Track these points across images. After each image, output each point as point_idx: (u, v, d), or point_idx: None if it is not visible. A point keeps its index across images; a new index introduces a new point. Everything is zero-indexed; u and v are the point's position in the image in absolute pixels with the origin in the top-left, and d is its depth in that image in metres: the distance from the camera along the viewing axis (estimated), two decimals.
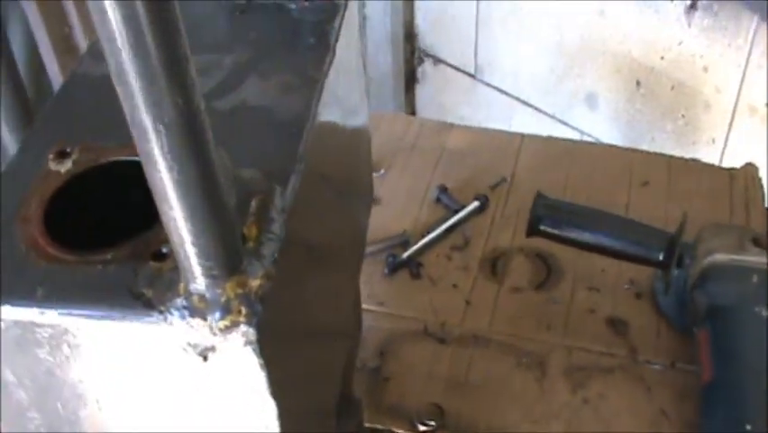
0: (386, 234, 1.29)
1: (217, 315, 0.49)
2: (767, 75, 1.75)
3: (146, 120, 0.41)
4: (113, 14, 0.38)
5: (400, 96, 2.54)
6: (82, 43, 1.52)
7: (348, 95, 0.77)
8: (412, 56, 2.51)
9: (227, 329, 0.49)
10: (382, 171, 1.40)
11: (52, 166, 0.60)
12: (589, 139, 2.12)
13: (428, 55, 2.48)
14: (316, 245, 0.67)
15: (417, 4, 2.42)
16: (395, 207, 1.34)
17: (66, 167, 0.61)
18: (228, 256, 0.49)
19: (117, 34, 0.39)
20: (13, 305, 0.51)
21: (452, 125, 1.50)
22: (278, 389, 0.53)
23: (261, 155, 0.59)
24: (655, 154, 1.44)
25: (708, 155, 1.82)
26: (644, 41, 1.94)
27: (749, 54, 1.76)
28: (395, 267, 1.23)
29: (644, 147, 1.95)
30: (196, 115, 0.42)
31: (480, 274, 1.23)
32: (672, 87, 1.95)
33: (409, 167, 1.42)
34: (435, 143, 1.46)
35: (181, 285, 0.50)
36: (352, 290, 0.89)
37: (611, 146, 1.48)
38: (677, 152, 1.81)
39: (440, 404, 1.07)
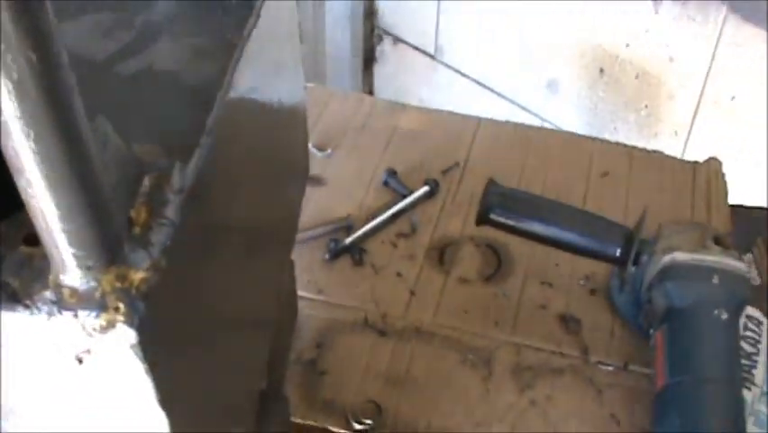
0: (329, 218, 1.21)
1: (92, 312, 0.41)
2: (733, 67, 1.69)
3: None
4: None
5: (358, 75, 2.47)
6: None
7: (275, 64, 0.69)
8: (371, 34, 2.43)
9: (103, 329, 0.42)
10: (329, 151, 1.33)
11: None
12: (549, 126, 2.06)
13: (388, 33, 2.40)
14: (227, 229, 0.59)
15: None
16: (340, 189, 1.27)
17: None
18: (105, 244, 0.41)
19: None
20: None
21: (405, 106, 1.43)
22: (169, 395, 0.46)
23: (163, 126, 0.51)
24: (616, 144, 1.38)
25: (671, 147, 1.76)
26: (609, 27, 1.88)
27: (716, 46, 1.70)
28: (336, 253, 1.16)
29: (606, 137, 1.90)
30: (55, 72, 0.35)
31: (427, 263, 1.16)
32: (637, 76, 1.89)
33: (358, 148, 1.34)
34: (387, 124, 1.38)
35: (51, 276, 0.42)
36: (278, 276, 0.81)
37: (571, 134, 1.41)
38: (639, 143, 1.75)
39: (378, 401, 1.01)
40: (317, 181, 1.28)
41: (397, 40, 2.38)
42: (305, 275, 1.12)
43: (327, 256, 1.15)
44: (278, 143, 0.75)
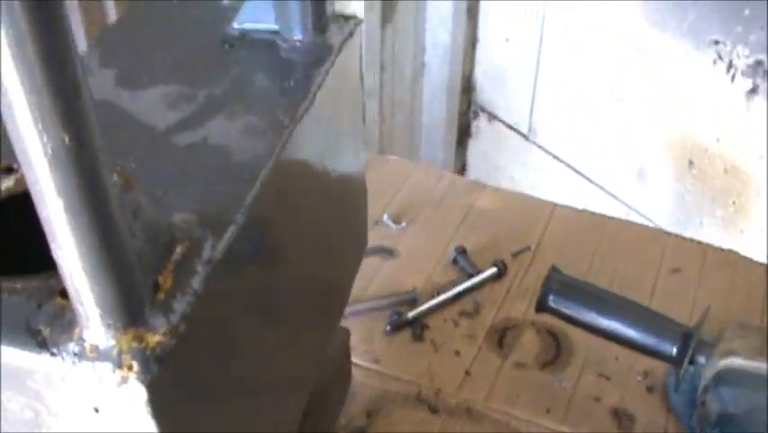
0: (395, 290, 1.24)
1: (108, 367, 0.45)
2: None
3: (29, 148, 0.37)
4: None
5: (451, 149, 2.50)
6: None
7: (330, 142, 0.72)
8: (467, 109, 2.46)
9: (118, 384, 0.45)
10: (404, 224, 1.36)
11: None
12: (635, 215, 2.06)
13: (484, 110, 2.43)
14: (263, 296, 0.62)
15: (478, 57, 2.38)
16: (410, 262, 1.29)
17: (7, 184, 0.57)
18: (126, 306, 0.44)
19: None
20: None
21: (484, 185, 1.45)
22: None
23: (206, 198, 0.55)
24: (690, 241, 1.37)
25: (758, 246, 1.74)
26: (700, 121, 1.87)
27: None
28: (398, 326, 1.18)
29: (692, 230, 1.89)
30: (87, 152, 0.38)
31: (486, 344, 1.17)
32: (726, 171, 1.88)
33: (432, 223, 1.37)
34: (464, 202, 1.41)
35: (77, 329, 0.46)
36: (321, 343, 0.83)
37: (645, 227, 1.42)
38: (725, 239, 1.74)
39: None
40: (389, 253, 1.30)
41: (493, 117, 2.41)
42: (363, 344, 1.15)
43: (388, 328, 1.18)
44: (332, 216, 0.78)
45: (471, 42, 2.35)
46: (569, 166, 2.22)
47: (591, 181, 2.17)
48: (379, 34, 2.16)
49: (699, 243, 1.37)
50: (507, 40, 2.25)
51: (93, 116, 0.39)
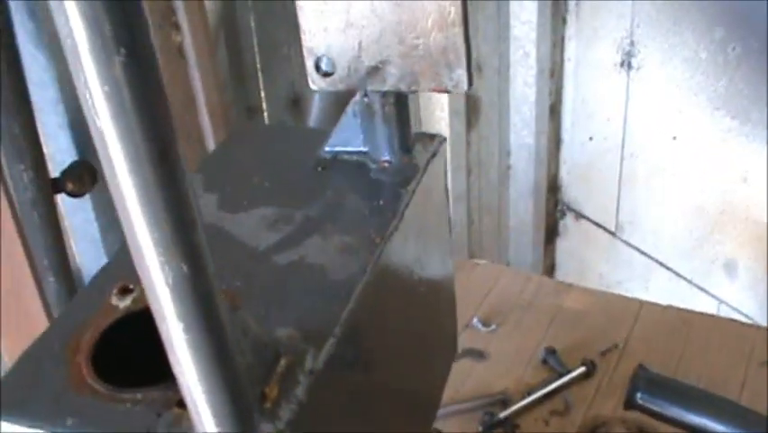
0: (487, 391, 1.27)
1: None
2: None
3: (151, 278, 0.43)
4: (123, 179, 0.41)
5: (540, 248, 2.53)
6: None
7: (419, 254, 0.78)
8: (554, 208, 2.50)
9: None
10: (494, 326, 1.40)
11: (113, 300, 0.63)
12: (726, 308, 2.06)
13: (570, 209, 2.47)
14: (360, 402, 0.67)
15: (563, 157, 2.43)
16: (500, 364, 1.33)
17: (125, 303, 0.63)
18: (237, 415, 0.49)
19: (127, 201, 0.41)
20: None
21: (571, 286, 1.49)
22: None
23: (305, 314, 0.61)
24: None
25: None
26: None
27: None
28: (490, 426, 1.21)
29: None
30: (203, 279, 0.44)
31: None
32: None
33: (522, 324, 1.40)
34: (552, 303, 1.45)
35: None
36: None
37: (733, 321, 1.43)
38: None
39: None
40: (480, 355, 1.34)
41: (579, 215, 2.44)
42: None
43: (480, 429, 1.21)
44: (422, 324, 0.83)
45: (556, 142, 2.40)
46: (657, 261, 2.23)
47: (680, 276, 2.18)
48: (464, 139, 2.23)
49: None
50: (591, 138, 2.30)
51: (207, 247, 0.45)
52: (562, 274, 2.59)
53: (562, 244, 2.56)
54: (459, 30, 0.66)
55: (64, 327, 0.63)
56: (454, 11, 0.65)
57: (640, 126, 2.15)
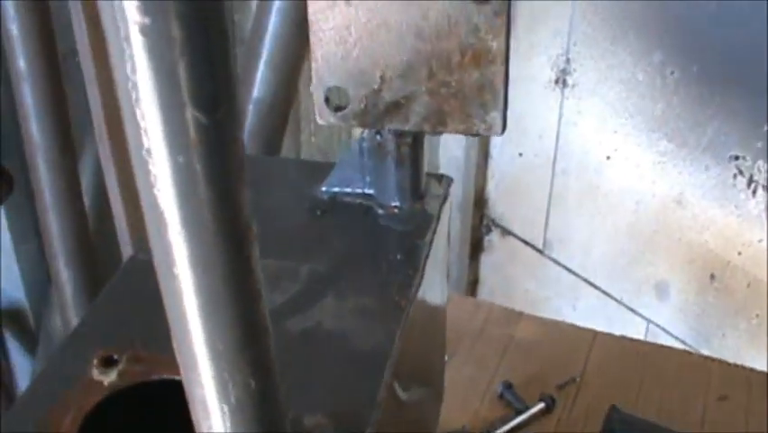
0: (445, 427, 1.21)
1: None
2: None
3: (207, 398, 0.35)
4: (183, 273, 0.32)
5: (464, 263, 2.49)
6: None
7: (429, 304, 0.70)
8: (480, 223, 2.46)
9: None
10: (446, 358, 1.33)
11: (95, 375, 0.54)
12: (655, 329, 2.05)
13: (497, 225, 2.43)
14: None
15: (491, 171, 2.38)
16: (456, 397, 1.26)
17: (110, 378, 0.55)
18: None
19: (185, 300, 0.33)
20: None
21: (521, 314, 1.43)
22: None
23: (333, 394, 0.53)
24: (735, 366, 1.36)
25: None
26: (721, 234, 1.87)
27: None
28: None
29: (715, 343, 1.88)
30: (270, 396, 0.36)
31: None
32: (749, 285, 1.87)
33: (474, 356, 1.34)
34: (503, 332, 1.39)
35: None
36: None
37: (688, 353, 1.40)
38: (750, 353, 1.73)
39: None
40: None
41: (506, 232, 2.41)
42: None
43: None
44: (427, 371, 0.77)
45: (484, 156, 2.36)
46: (585, 280, 2.21)
47: (609, 295, 2.16)
48: None
49: (743, 367, 1.36)
50: (521, 154, 2.26)
51: (276, 360, 0.37)
52: (486, 289, 2.55)
53: (486, 260, 2.52)
54: (500, 68, 0.59)
55: (34, 406, 0.54)
56: (496, 46, 0.58)
57: (573, 144, 2.12)
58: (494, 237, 2.45)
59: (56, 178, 1.43)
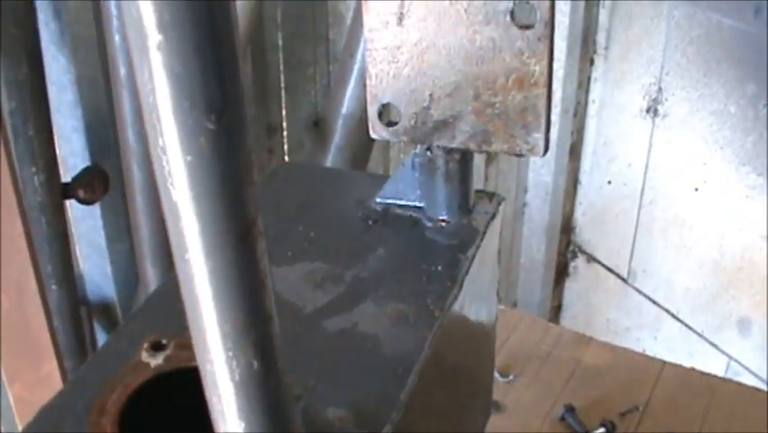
0: None
1: None
2: None
3: (214, 371, 0.39)
4: (196, 260, 0.36)
5: (548, 288, 2.49)
6: None
7: (471, 318, 0.73)
8: (566, 249, 2.46)
9: None
10: (511, 377, 1.35)
11: (144, 357, 0.58)
12: (736, 366, 2.02)
13: (582, 251, 2.43)
14: None
15: (579, 198, 2.39)
16: (518, 417, 1.28)
17: (157, 361, 0.58)
18: None
19: (197, 284, 0.37)
20: None
21: (590, 339, 1.44)
22: None
23: (358, 392, 0.56)
24: None
25: None
26: None
27: None
28: None
29: None
30: (273, 378, 0.40)
31: None
32: None
33: (540, 377, 1.36)
34: (571, 356, 1.40)
35: None
36: None
37: (757, 390, 1.39)
38: None
39: None
40: (496, 407, 1.30)
41: (591, 258, 2.40)
42: None
43: None
44: (467, 379, 0.79)
45: (573, 183, 2.36)
46: (667, 312, 2.19)
47: (690, 328, 2.14)
48: (483, 172, 2.19)
49: None
50: (610, 182, 2.26)
51: (281, 343, 0.40)
52: (568, 316, 2.55)
53: (571, 286, 2.52)
54: (542, 91, 0.61)
55: (88, 383, 0.58)
56: (539, 71, 0.61)
57: (662, 174, 2.11)
58: (579, 264, 2.45)
59: (148, 181, 1.49)
